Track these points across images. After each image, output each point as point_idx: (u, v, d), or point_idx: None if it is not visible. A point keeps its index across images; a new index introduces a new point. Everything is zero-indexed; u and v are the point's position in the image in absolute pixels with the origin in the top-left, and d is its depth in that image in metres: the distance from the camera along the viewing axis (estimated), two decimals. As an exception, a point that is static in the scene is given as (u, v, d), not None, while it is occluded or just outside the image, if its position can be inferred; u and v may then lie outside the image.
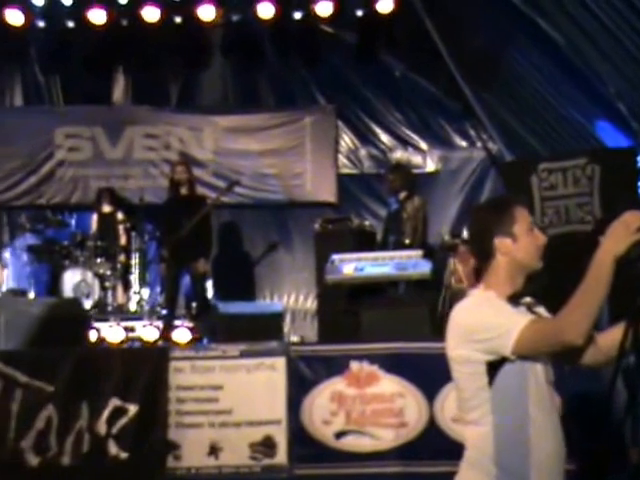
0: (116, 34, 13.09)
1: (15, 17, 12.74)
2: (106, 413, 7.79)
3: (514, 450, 3.47)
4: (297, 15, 12.80)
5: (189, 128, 13.52)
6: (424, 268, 9.21)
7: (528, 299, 3.61)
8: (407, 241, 9.95)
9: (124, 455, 7.72)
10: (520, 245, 3.56)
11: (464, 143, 13.22)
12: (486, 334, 3.44)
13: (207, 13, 12.82)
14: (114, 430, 7.76)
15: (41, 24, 12.97)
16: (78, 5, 12.71)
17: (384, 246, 10.27)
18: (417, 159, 13.28)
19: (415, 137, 13.36)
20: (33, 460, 7.79)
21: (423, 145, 13.35)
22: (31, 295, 12.10)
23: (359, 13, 12.64)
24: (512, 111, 11.79)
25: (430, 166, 13.30)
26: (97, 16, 12.73)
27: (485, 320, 3.48)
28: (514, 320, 3.43)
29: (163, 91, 13.71)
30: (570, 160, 9.82)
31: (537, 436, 3.47)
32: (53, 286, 12.30)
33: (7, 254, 12.93)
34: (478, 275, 3.69)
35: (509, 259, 3.56)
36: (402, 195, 10.30)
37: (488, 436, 3.48)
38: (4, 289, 12.18)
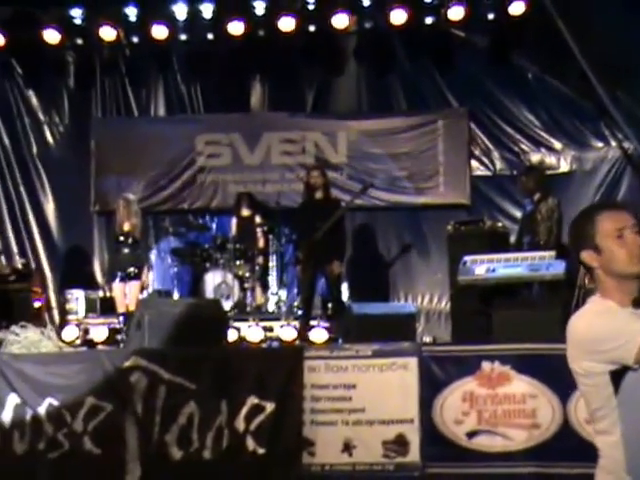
0: (253, 44, 13.28)
1: (160, 32, 13.05)
2: (244, 410, 7.85)
3: None
4: (429, 20, 12.75)
5: (324, 133, 13.58)
6: (557, 269, 9.03)
7: None
8: (541, 242, 9.80)
9: (261, 451, 7.78)
10: (606, 256, 3.40)
11: (599, 143, 12.92)
12: (608, 345, 3.32)
13: (341, 21, 12.87)
14: (252, 427, 7.82)
15: (183, 37, 13.25)
16: (217, 18, 12.93)
17: (519, 247, 10.14)
18: (551, 160, 13.06)
19: (549, 138, 13.13)
20: (177, 454, 7.91)
21: (557, 146, 13.11)
22: (175, 296, 12.36)
23: (491, 16, 12.52)
24: (647, 109, 11.49)
25: (564, 166, 13.05)
26: (235, 28, 12.92)
27: (606, 330, 3.36)
28: (634, 329, 3.31)
29: (298, 97, 13.81)
30: None
31: None
32: (195, 287, 12.53)
33: (152, 256, 13.22)
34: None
35: (602, 270, 3.43)
36: (536, 196, 10.17)
37: (619, 445, 3.37)
38: (150, 290, 12.46)
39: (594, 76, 11.58)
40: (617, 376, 3.35)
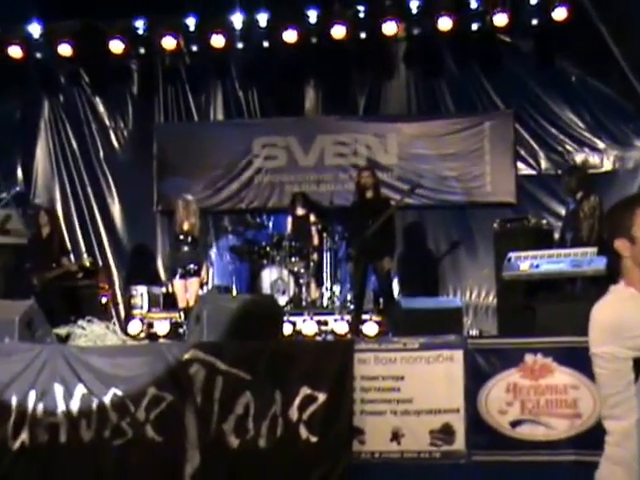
0: (307, 51, 13.35)
1: (218, 40, 13.16)
2: (297, 400, 7.85)
3: None
4: (474, 26, 12.71)
5: (375, 135, 13.59)
6: (599, 264, 8.96)
7: None
8: (584, 238, 9.73)
9: (314, 439, 7.78)
10: (639, 247, 3.39)
11: (640, 142, 12.82)
12: (635, 331, 3.31)
13: (390, 28, 12.88)
14: (304, 416, 7.82)
15: (240, 45, 13.33)
16: (273, 27, 12.99)
17: (562, 243, 10.08)
18: (594, 159, 12.94)
19: (592, 138, 13.02)
20: (234, 442, 7.92)
21: (600, 145, 13.00)
22: (234, 291, 12.44)
23: (534, 22, 12.44)
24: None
25: (607, 165, 12.93)
26: (290, 36, 12.99)
27: (633, 317, 3.35)
28: None
29: (350, 101, 13.83)
30: None
31: None
32: (252, 283, 12.60)
33: (212, 254, 13.32)
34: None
35: (632, 260, 3.41)
36: (579, 195, 10.10)
37: (631, 431, 3.34)
38: (210, 286, 12.55)
39: (635, 77, 11.49)
40: (638, 365, 3.32)
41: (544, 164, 13.23)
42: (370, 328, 11.07)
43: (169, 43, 13.41)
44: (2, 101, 14.20)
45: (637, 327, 3.31)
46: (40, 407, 8.14)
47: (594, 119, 12.95)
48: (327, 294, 12.31)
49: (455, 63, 13.42)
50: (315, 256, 12.47)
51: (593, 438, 7.24)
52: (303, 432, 7.81)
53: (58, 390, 8.16)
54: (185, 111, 14.20)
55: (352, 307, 11.53)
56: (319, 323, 11.43)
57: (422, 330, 8.26)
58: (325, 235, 12.47)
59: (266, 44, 13.23)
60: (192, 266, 11.39)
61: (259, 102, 14.02)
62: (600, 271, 8.93)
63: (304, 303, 12.11)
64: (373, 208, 10.98)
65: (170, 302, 12.12)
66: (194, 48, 13.53)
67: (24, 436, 8.13)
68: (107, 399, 8.12)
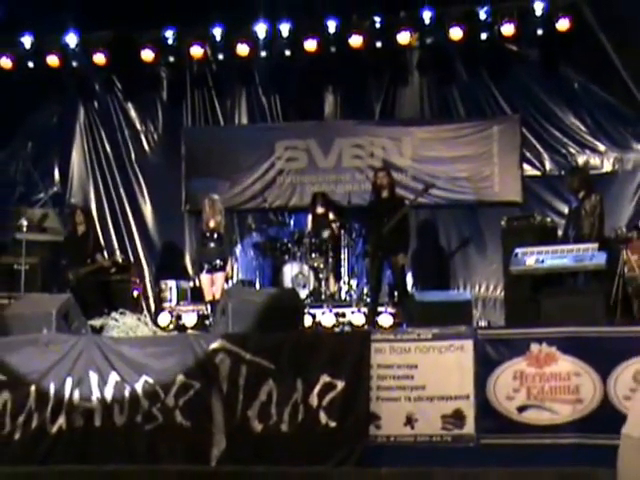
0: (326, 59, 13.36)
1: (243, 49, 13.23)
2: (317, 388, 7.88)
3: None
4: (484, 36, 12.68)
5: (390, 138, 13.58)
6: (600, 259, 9.00)
7: None
8: (585, 235, 9.74)
9: (333, 424, 7.81)
10: None
11: (639, 145, 12.76)
12: None
13: (405, 38, 12.91)
14: (324, 402, 7.85)
15: (263, 54, 13.35)
16: (294, 36, 13.03)
17: (565, 240, 10.09)
18: (595, 161, 12.91)
19: (593, 141, 12.96)
20: (257, 426, 7.96)
21: (601, 148, 12.94)
22: (257, 285, 12.49)
23: (540, 32, 12.40)
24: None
25: (607, 167, 12.87)
26: (310, 45, 13.04)
27: None
28: None
29: (367, 106, 13.82)
30: None
31: None
32: (275, 277, 12.64)
33: (237, 250, 13.37)
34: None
35: None
36: (581, 194, 10.11)
37: None
38: (235, 280, 12.60)
39: (634, 84, 11.49)
40: None
41: (548, 165, 13.20)
42: (385, 320, 11.10)
43: (197, 52, 13.50)
44: (41, 107, 14.29)
45: None
46: (76, 394, 8.23)
47: (595, 123, 12.91)
48: (345, 288, 12.33)
49: (465, 70, 13.40)
50: (334, 252, 12.45)
51: (594, 422, 7.36)
52: (323, 417, 7.85)
53: (93, 378, 8.24)
54: (212, 115, 14.23)
55: (368, 300, 11.57)
56: (337, 315, 11.46)
57: (434, 321, 8.31)
58: (343, 232, 12.48)
59: (288, 52, 13.26)
60: (218, 262, 11.45)
61: (281, 107, 14.03)
62: (601, 265, 8.98)
63: (323, 296, 12.14)
64: (388, 207, 11.03)
65: (197, 295, 12.16)
66: (220, 56, 13.56)
67: (61, 421, 8.22)
68: (139, 386, 8.18)
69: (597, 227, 9.76)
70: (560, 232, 10.88)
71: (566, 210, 12.07)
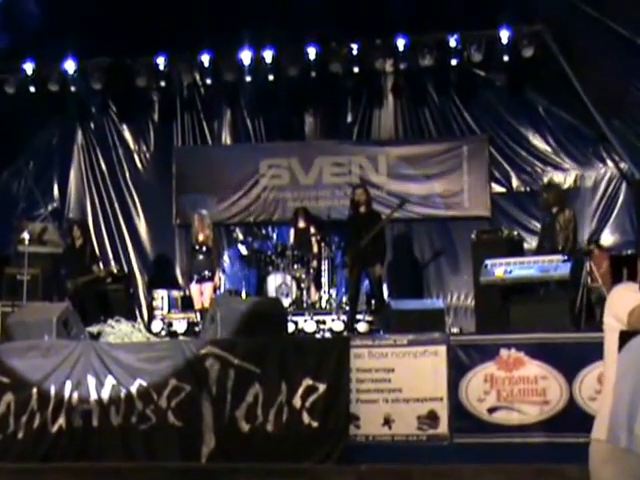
0: (307, 83, 13.32)
1: (229, 74, 13.18)
2: (301, 390, 7.89)
3: None
4: (454, 62, 12.67)
5: (367, 157, 13.54)
6: (564, 270, 8.99)
7: None
8: (560, 248, 9.69)
9: (315, 424, 7.81)
10: None
11: (598, 163, 12.79)
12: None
13: (380, 64, 12.94)
14: (307, 404, 7.85)
15: (248, 78, 13.28)
16: (277, 63, 12.98)
17: (541, 251, 10.02)
18: (559, 177, 12.93)
19: (556, 159, 12.97)
20: (245, 426, 7.97)
21: (564, 165, 12.98)
22: (243, 294, 12.42)
23: (506, 58, 12.40)
24: (638, 134, 11.38)
25: (570, 183, 12.92)
26: (292, 70, 12.99)
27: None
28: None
29: (345, 127, 13.79)
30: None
31: None
32: (260, 287, 12.59)
33: (225, 262, 13.33)
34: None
35: None
36: (554, 209, 10.07)
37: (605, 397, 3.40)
38: (222, 290, 12.53)
39: (594, 107, 11.54)
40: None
41: (515, 183, 13.21)
42: (363, 326, 11.07)
43: (186, 77, 13.48)
44: (42, 129, 14.22)
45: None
46: (75, 395, 8.23)
47: (558, 143, 12.94)
48: (325, 297, 12.28)
49: (437, 94, 13.39)
50: (315, 263, 12.42)
51: (561, 422, 7.36)
52: (306, 418, 7.85)
53: (91, 381, 8.24)
54: (200, 136, 14.17)
55: (347, 308, 11.53)
56: (318, 322, 11.42)
57: (410, 328, 8.31)
58: (323, 245, 12.44)
59: (271, 77, 13.17)
60: (207, 272, 11.40)
61: (265, 128, 13.98)
62: (565, 276, 8.98)
63: (305, 305, 12.07)
64: (366, 221, 11.02)
65: (187, 304, 12.10)
66: (208, 81, 13.47)
67: (61, 421, 8.21)
68: (134, 389, 8.18)
69: (572, 240, 9.75)
70: (526, 245, 10.91)
71: (531, 225, 12.14)
